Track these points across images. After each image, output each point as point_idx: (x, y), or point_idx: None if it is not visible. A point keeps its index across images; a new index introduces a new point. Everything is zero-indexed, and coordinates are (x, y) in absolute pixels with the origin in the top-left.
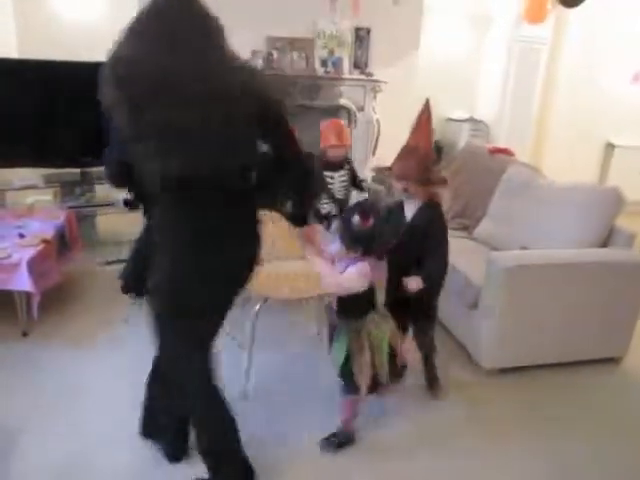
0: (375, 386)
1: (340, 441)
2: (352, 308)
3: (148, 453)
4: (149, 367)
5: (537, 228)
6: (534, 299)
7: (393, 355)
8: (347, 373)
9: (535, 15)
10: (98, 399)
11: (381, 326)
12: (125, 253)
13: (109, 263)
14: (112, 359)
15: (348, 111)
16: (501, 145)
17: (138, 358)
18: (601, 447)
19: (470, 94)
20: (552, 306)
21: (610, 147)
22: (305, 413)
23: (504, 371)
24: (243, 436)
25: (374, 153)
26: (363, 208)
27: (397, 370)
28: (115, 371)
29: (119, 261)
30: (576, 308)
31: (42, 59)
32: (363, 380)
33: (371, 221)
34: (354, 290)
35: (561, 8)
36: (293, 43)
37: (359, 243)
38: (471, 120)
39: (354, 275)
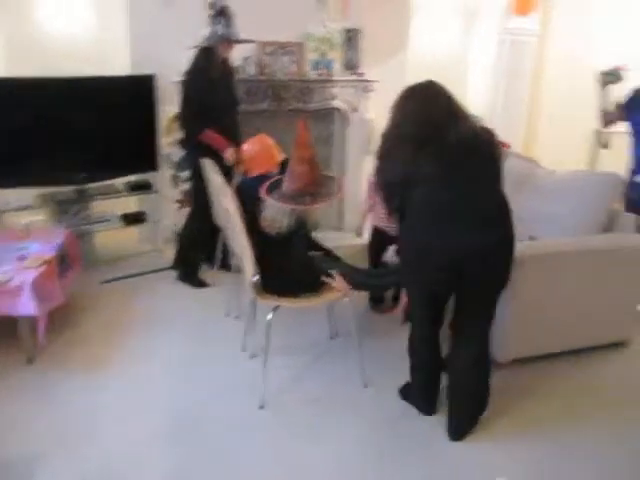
0: None
1: None
2: None
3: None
4: (162, 388)
5: (542, 218)
6: (546, 288)
7: None
8: None
9: (523, 7)
10: (114, 423)
11: None
12: (125, 269)
13: (109, 281)
14: (124, 382)
15: (341, 112)
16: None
17: (149, 380)
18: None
19: (461, 89)
20: (563, 294)
21: (598, 134)
22: (324, 424)
23: (519, 361)
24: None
25: (368, 152)
26: None
27: None
28: (128, 394)
29: (119, 278)
30: (585, 294)
31: (32, 76)
32: None
33: None
34: None
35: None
36: (284, 47)
37: None
38: None
39: None
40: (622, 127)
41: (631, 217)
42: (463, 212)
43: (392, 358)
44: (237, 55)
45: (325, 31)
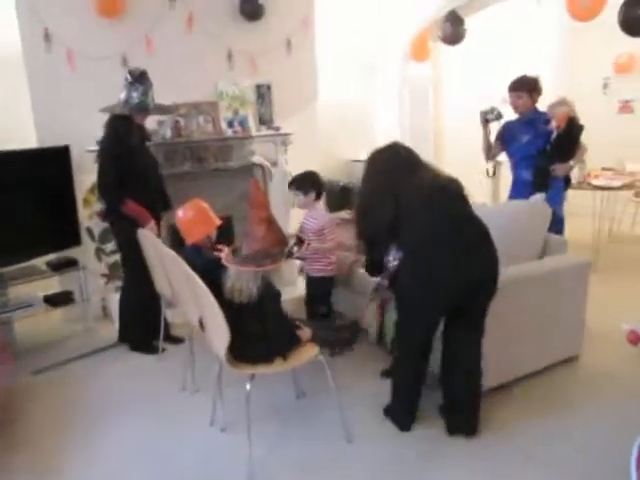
0: None
1: None
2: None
3: None
4: None
5: None
6: (503, 316)
7: None
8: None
9: (419, 53)
10: None
11: None
12: (57, 355)
13: (41, 371)
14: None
15: (262, 168)
16: None
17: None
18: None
19: (370, 135)
20: (517, 320)
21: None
22: None
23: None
24: None
25: (294, 205)
26: None
27: None
28: None
29: (53, 366)
30: (536, 317)
31: None
32: None
33: None
34: None
35: (441, 46)
36: (197, 107)
37: None
38: None
39: None
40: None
41: (561, 239)
42: (457, 237)
43: (367, 409)
44: (151, 119)
45: (236, 88)
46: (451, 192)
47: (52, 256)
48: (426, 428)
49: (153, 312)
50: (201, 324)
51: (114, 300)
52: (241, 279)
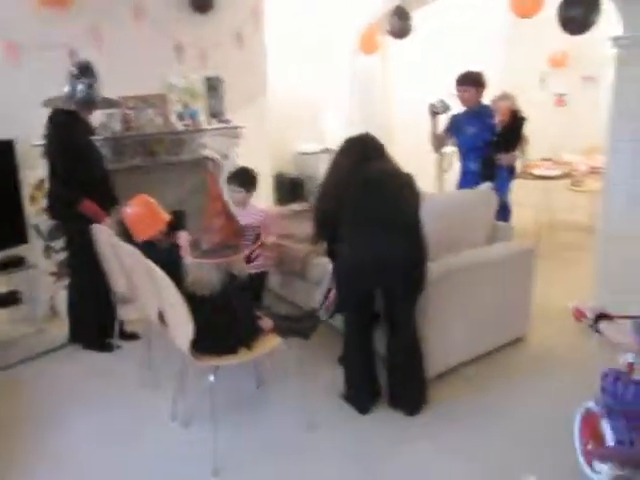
0: None
1: None
2: None
3: None
4: None
5: (435, 238)
6: (454, 302)
7: None
8: None
9: (368, 47)
10: None
11: None
12: (3, 358)
13: None
14: None
15: (213, 161)
16: None
17: None
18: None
19: (320, 128)
20: (467, 304)
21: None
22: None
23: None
24: None
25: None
26: None
27: None
28: None
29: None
30: (485, 302)
31: None
32: None
33: None
34: None
35: (389, 39)
36: (146, 100)
37: None
38: (327, 151)
39: None
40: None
41: (508, 226)
42: (386, 219)
43: (327, 395)
44: (99, 112)
45: (186, 81)
46: (398, 181)
47: None
48: (385, 410)
49: (105, 309)
50: (161, 318)
51: (63, 298)
52: (202, 272)
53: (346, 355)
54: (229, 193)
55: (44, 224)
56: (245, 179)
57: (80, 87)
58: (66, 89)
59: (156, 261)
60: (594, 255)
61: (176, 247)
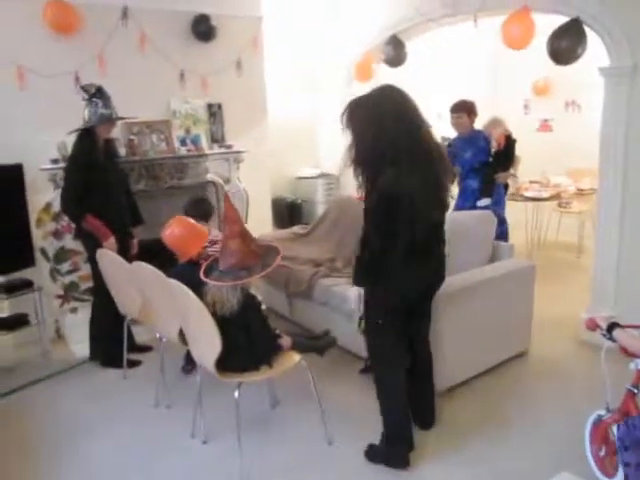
0: None
1: None
2: None
3: None
4: None
5: None
6: (461, 320)
7: None
8: None
9: (363, 74)
10: None
11: None
12: (13, 381)
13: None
14: None
15: (215, 185)
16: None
17: None
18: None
19: (315, 154)
20: (472, 321)
21: None
22: None
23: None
24: None
25: (247, 221)
26: None
27: None
28: None
29: (8, 393)
30: (490, 318)
31: None
32: None
33: None
34: None
35: (383, 67)
36: (150, 126)
37: None
38: (323, 175)
39: None
40: None
41: (508, 245)
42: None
43: (344, 412)
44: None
45: (189, 107)
46: (439, 160)
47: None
48: None
49: (122, 327)
50: (182, 338)
51: (69, 322)
52: (221, 293)
53: (387, 392)
54: None
55: (50, 247)
56: (205, 209)
57: (95, 108)
58: (85, 114)
59: (187, 283)
60: (589, 270)
61: (198, 266)
